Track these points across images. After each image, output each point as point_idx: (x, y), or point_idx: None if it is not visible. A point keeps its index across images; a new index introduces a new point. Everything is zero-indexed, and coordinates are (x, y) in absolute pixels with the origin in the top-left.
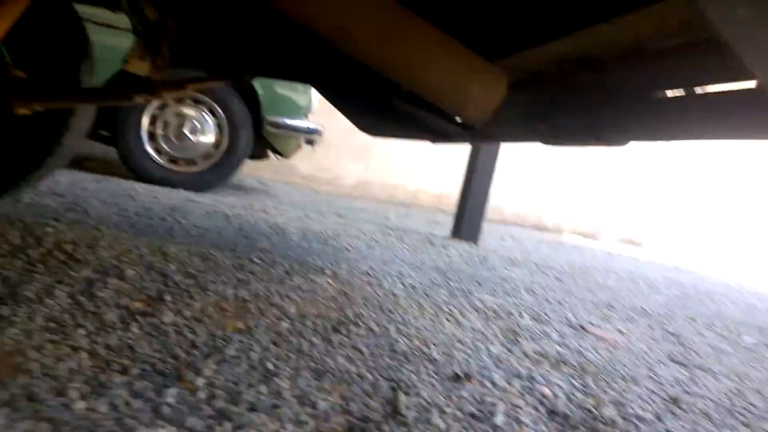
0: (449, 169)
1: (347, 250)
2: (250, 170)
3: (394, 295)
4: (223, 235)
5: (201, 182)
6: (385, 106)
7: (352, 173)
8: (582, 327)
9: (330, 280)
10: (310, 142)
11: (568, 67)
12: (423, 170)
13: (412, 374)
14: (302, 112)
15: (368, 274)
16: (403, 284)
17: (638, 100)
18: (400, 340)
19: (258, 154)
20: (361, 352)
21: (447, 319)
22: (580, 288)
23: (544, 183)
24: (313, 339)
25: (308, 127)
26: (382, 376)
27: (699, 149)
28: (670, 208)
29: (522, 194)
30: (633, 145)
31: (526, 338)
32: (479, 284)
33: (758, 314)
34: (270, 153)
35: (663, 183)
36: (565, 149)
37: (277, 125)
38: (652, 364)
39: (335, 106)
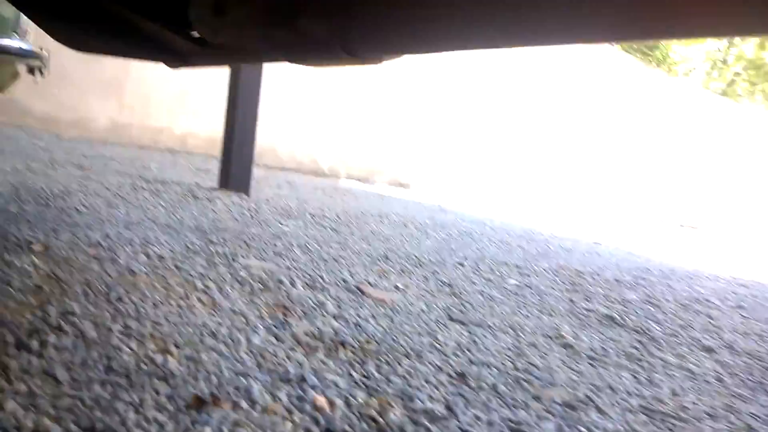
0: (222, 108)
1: (78, 212)
2: None
3: (132, 272)
4: None
5: None
6: (90, 10)
7: (103, 113)
8: (359, 289)
9: (37, 260)
10: (32, 71)
11: None
12: (191, 109)
13: (131, 410)
14: (8, 26)
15: (100, 244)
16: (147, 255)
17: None
18: (124, 347)
19: None
20: (54, 381)
21: (200, 301)
22: (356, 239)
23: (319, 125)
24: None
25: (19, 48)
26: (78, 425)
27: (459, 93)
28: (434, 151)
29: (298, 137)
30: (400, 77)
31: (298, 315)
32: (247, 245)
33: (513, 252)
34: None
35: (429, 126)
36: (336, 87)
37: None
38: (433, 327)
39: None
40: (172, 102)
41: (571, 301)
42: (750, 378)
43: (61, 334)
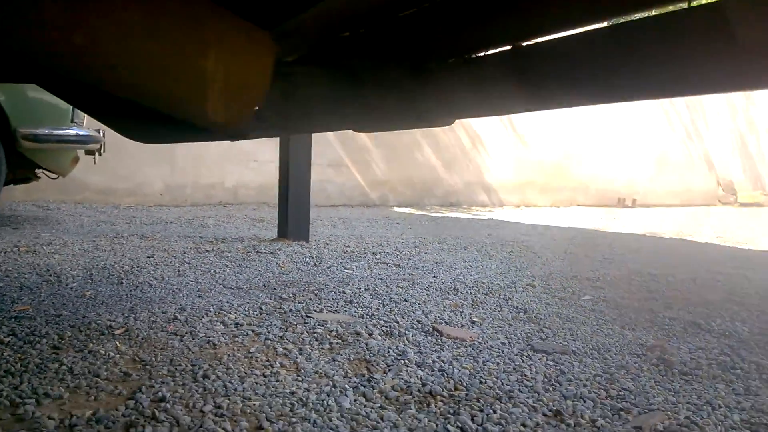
0: (269, 157)
1: (150, 286)
2: (26, 194)
3: (213, 345)
4: None
5: None
6: (149, 114)
7: (157, 178)
8: (436, 330)
9: (120, 345)
10: (91, 153)
11: (368, 25)
12: (239, 161)
13: None
14: (67, 117)
15: (177, 318)
16: (224, 324)
17: (462, 63)
18: (219, 430)
19: (20, 177)
20: None
21: (283, 366)
22: (421, 272)
23: (366, 156)
24: None
25: (79, 135)
26: None
27: None
28: (475, 166)
29: (345, 172)
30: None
31: (381, 368)
32: (317, 297)
33: (580, 262)
34: (41, 172)
35: (465, 142)
36: None
37: (36, 138)
38: (518, 362)
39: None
40: (221, 158)
41: (652, 310)
42: None
43: (156, 424)
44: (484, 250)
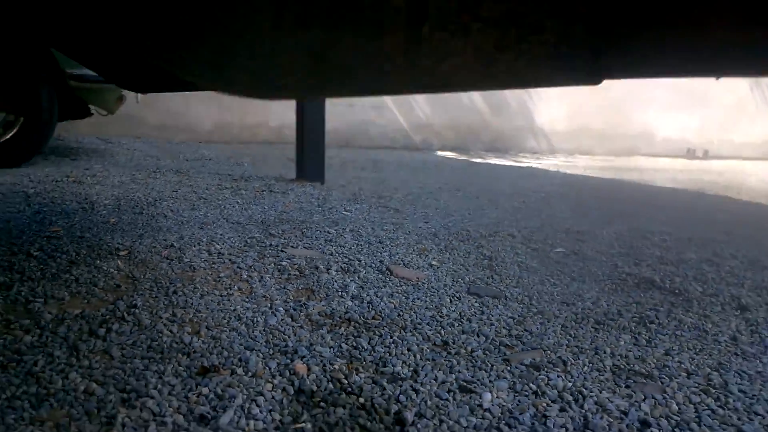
0: None
1: (164, 217)
2: (92, 128)
3: (193, 269)
4: (11, 224)
5: (4, 156)
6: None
7: (206, 116)
8: (389, 270)
9: (121, 263)
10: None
11: None
12: (282, 103)
13: (155, 376)
14: None
15: (173, 246)
16: (209, 252)
17: None
18: (166, 331)
19: (74, 113)
20: (110, 358)
21: (239, 290)
22: (416, 218)
23: (409, 100)
24: (56, 352)
25: None
26: (117, 389)
27: None
28: (527, 114)
29: (388, 114)
30: None
31: (319, 297)
32: (303, 234)
33: (588, 215)
34: (94, 110)
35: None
36: None
37: (82, 77)
38: (444, 301)
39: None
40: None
41: (616, 266)
42: None
43: (123, 323)
44: (495, 199)
